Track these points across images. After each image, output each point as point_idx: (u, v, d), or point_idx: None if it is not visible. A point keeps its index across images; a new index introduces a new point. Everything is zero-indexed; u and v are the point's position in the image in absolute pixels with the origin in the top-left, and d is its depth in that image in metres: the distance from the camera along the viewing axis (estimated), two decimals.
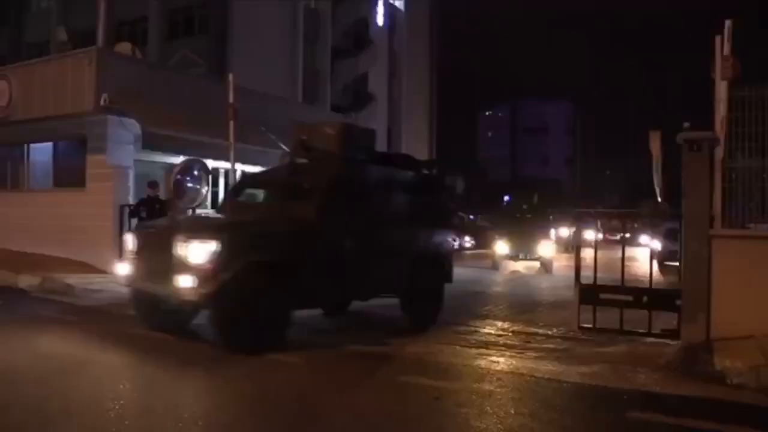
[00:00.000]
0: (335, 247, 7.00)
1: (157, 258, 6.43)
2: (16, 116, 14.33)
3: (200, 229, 6.61)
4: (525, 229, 19.11)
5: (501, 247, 18.39)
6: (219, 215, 8.42)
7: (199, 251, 6.04)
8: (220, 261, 5.99)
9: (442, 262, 8.79)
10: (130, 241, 7.06)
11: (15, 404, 4.42)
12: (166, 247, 6.22)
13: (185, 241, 6.14)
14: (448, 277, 8.94)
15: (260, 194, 8.58)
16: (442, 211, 9.21)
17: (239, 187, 8.93)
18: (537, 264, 17.94)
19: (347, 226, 7.14)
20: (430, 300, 8.32)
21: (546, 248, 17.96)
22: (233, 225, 6.91)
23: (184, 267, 6.04)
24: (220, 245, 6.04)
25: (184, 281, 5.98)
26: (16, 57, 29.88)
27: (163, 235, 6.52)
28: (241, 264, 6.09)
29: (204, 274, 5.95)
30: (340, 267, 7.04)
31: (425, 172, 9.07)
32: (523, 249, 18.09)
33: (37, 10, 35.07)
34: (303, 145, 8.13)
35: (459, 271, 15.52)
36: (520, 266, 18.33)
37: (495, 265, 18.24)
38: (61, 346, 6.42)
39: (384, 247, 7.67)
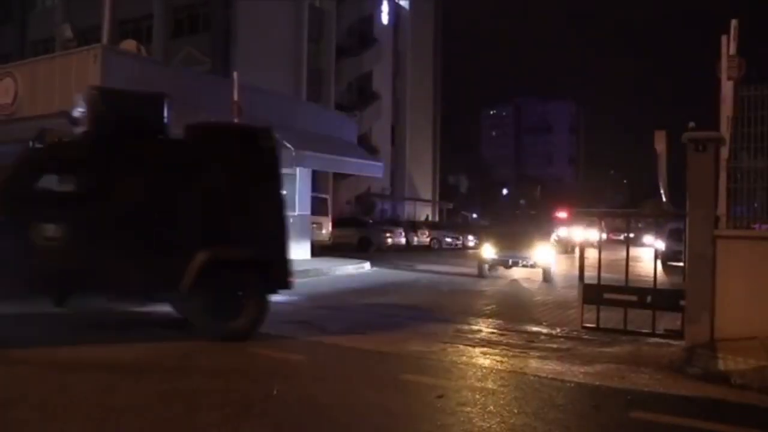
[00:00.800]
0: (18, 237, 6.09)
1: None
2: (22, 113, 14.37)
3: None
4: (521, 228, 16.06)
5: (488, 250, 15.26)
6: None
7: None
8: None
9: (263, 264, 6.99)
10: None
11: None
12: None
13: None
14: (277, 282, 7.13)
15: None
16: (268, 197, 7.22)
17: None
18: (535, 271, 15.13)
19: (43, 213, 6.24)
20: (240, 308, 6.80)
21: (544, 252, 14.98)
22: None
23: None
24: None
25: None
26: (21, 54, 30.01)
27: None
28: None
29: None
30: (23, 260, 6.11)
31: (257, 148, 7.27)
32: (516, 253, 14.94)
33: (41, 8, 35.18)
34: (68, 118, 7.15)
35: (458, 272, 15.57)
36: (514, 274, 15.72)
37: (481, 272, 15.34)
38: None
39: (135, 240, 6.56)
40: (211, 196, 6.86)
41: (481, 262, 15.43)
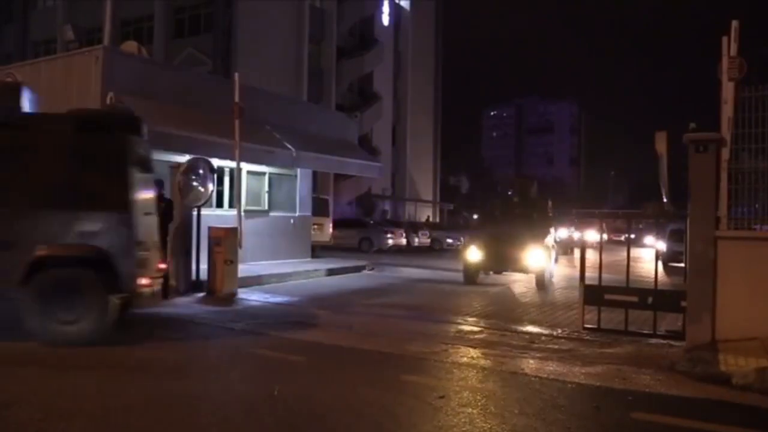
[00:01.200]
0: None
1: None
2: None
3: None
4: (513, 229, 13.78)
5: (473, 253, 13.49)
6: None
7: None
8: None
9: (101, 262, 6.38)
10: None
11: None
12: None
13: None
14: (118, 283, 6.45)
15: None
16: (115, 191, 6.57)
17: None
18: (529, 277, 13.76)
19: None
20: (78, 311, 6.28)
21: (538, 256, 13.10)
22: None
23: None
24: None
25: None
26: (22, 54, 30.10)
27: None
28: None
29: None
30: None
31: (108, 137, 6.69)
32: (505, 258, 13.28)
33: (43, 8, 35.27)
34: None
35: (459, 274, 15.52)
36: (513, 276, 14.56)
37: (467, 278, 13.57)
38: None
39: None
40: (50, 187, 6.44)
41: (467, 266, 13.60)
